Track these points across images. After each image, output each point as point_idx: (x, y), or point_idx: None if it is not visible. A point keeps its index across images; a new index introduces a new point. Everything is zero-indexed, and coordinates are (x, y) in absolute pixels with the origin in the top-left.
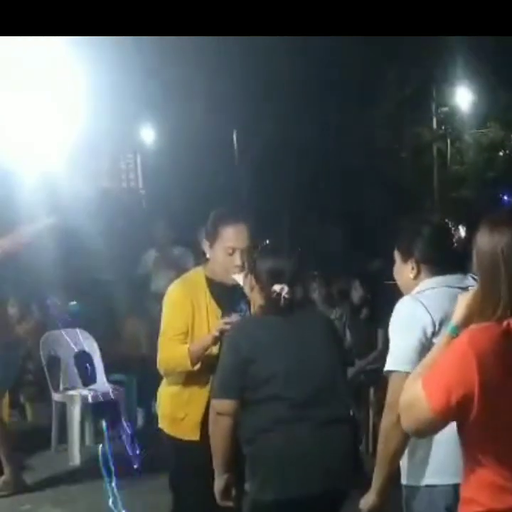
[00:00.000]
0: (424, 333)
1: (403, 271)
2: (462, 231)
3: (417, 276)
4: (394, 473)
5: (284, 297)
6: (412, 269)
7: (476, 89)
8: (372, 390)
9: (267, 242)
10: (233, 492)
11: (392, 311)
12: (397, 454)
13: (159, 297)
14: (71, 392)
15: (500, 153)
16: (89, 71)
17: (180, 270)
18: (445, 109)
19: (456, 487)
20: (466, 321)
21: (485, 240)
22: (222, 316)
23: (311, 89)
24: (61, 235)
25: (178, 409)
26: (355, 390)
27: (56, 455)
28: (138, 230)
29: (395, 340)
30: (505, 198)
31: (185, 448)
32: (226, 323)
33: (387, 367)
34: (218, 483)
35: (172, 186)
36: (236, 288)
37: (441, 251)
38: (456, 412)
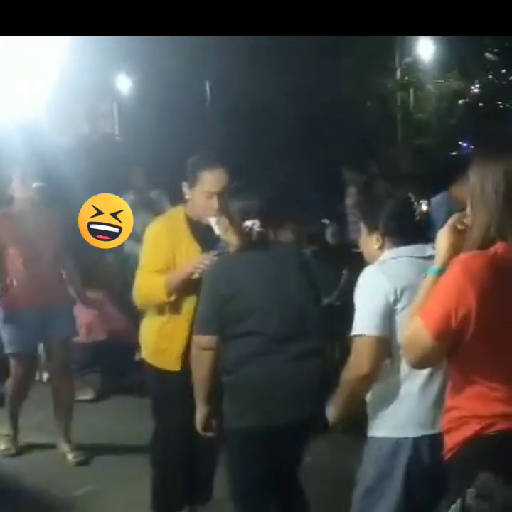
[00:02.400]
0: (386, 300)
1: (368, 242)
2: (424, 205)
3: (381, 247)
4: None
5: (256, 231)
6: (377, 240)
7: (438, 41)
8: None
9: (235, 183)
10: (214, 423)
11: (358, 254)
12: (353, 402)
13: (136, 237)
14: None
15: (461, 102)
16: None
17: (156, 212)
18: (409, 59)
19: (416, 440)
20: (451, 259)
21: (477, 170)
22: (202, 253)
23: (277, 43)
24: (41, 181)
25: (160, 341)
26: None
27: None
28: (115, 175)
29: (359, 307)
30: (465, 144)
31: (166, 377)
32: (204, 259)
33: (353, 332)
34: (200, 415)
35: (147, 133)
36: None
37: (403, 224)
38: (456, 334)
